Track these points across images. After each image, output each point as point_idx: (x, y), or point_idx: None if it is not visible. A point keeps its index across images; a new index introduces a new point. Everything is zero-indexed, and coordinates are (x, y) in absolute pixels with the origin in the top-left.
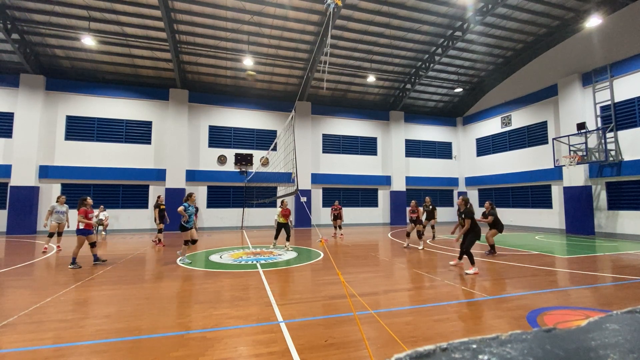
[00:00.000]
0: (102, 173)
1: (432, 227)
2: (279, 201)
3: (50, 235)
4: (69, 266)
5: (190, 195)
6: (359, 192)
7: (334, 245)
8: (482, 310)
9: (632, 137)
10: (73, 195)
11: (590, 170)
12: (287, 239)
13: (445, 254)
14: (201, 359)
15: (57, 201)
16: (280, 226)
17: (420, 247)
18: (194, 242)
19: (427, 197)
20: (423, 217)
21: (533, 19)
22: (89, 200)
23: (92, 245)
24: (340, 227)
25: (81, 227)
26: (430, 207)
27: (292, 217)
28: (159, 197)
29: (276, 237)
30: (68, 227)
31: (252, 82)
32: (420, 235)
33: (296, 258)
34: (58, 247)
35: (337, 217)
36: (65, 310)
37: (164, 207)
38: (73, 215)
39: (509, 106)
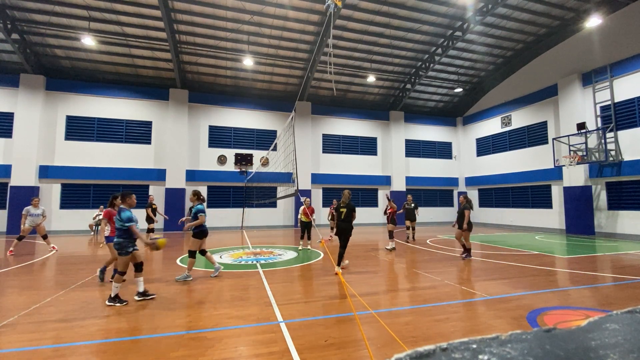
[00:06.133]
0: (102, 173)
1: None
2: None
3: (20, 238)
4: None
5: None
6: (359, 192)
7: (334, 246)
8: (482, 310)
9: (632, 137)
10: (73, 195)
11: (590, 170)
12: (308, 238)
13: (445, 253)
14: (201, 359)
15: (31, 204)
16: (303, 225)
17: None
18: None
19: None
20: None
21: (533, 19)
22: (118, 201)
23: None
24: (333, 229)
25: (106, 233)
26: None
27: (314, 216)
28: (150, 196)
29: (302, 238)
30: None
31: (252, 82)
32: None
33: (296, 258)
34: (53, 247)
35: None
36: (65, 310)
37: (155, 206)
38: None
39: (509, 106)
